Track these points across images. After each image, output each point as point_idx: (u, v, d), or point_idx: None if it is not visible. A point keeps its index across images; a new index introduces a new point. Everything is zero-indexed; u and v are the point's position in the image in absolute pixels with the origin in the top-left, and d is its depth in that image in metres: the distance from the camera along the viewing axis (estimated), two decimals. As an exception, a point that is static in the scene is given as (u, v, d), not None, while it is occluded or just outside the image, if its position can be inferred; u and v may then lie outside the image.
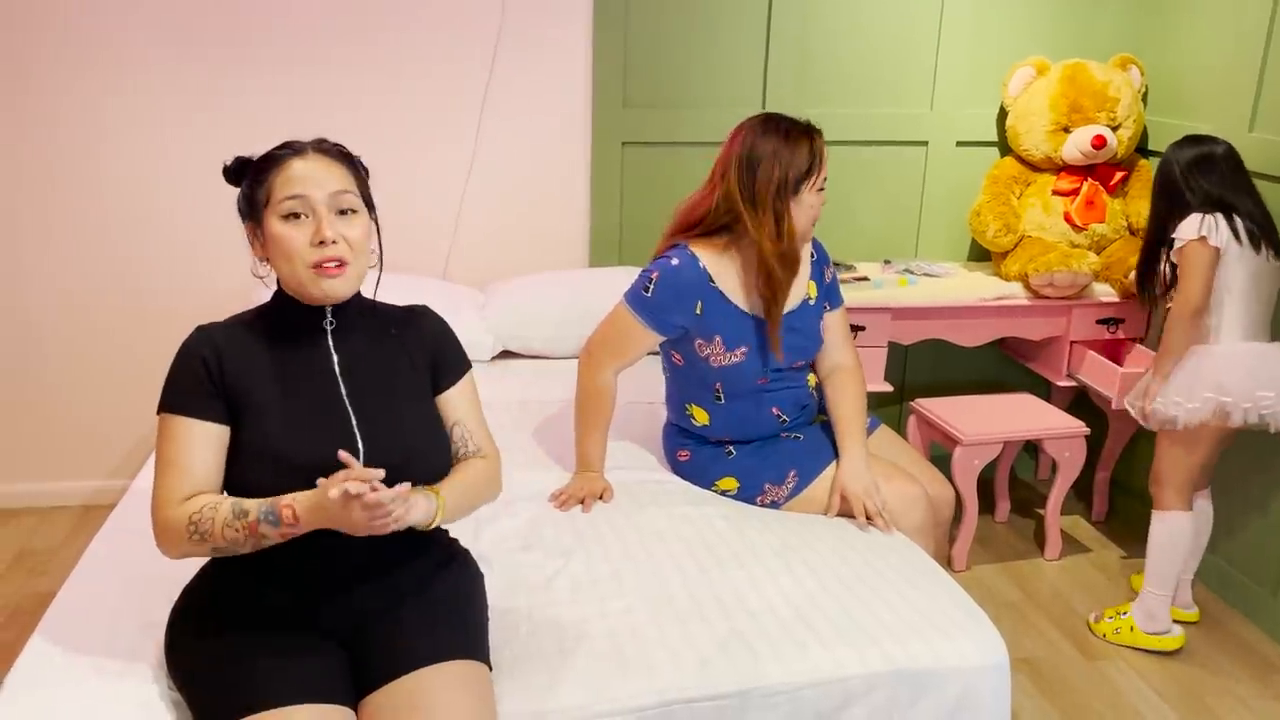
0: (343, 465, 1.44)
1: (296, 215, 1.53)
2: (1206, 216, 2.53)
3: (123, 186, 3.14)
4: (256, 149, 1.61)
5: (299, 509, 1.46)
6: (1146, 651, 2.74)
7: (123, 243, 3.19)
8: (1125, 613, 2.79)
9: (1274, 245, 2.57)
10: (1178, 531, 2.67)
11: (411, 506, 1.50)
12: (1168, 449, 2.66)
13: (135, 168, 3.13)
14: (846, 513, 2.23)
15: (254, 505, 1.47)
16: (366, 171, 1.66)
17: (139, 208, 3.17)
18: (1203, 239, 2.51)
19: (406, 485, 1.47)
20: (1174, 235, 2.57)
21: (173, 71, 3.07)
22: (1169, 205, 2.62)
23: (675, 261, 2.24)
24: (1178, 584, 2.79)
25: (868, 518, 2.17)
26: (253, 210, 1.58)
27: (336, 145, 1.62)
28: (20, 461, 3.34)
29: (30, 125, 3.05)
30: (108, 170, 3.12)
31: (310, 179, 1.54)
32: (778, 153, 2.16)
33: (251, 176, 1.58)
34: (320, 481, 1.42)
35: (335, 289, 1.56)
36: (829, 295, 2.39)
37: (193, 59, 3.06)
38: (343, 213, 1.56)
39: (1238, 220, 2.53)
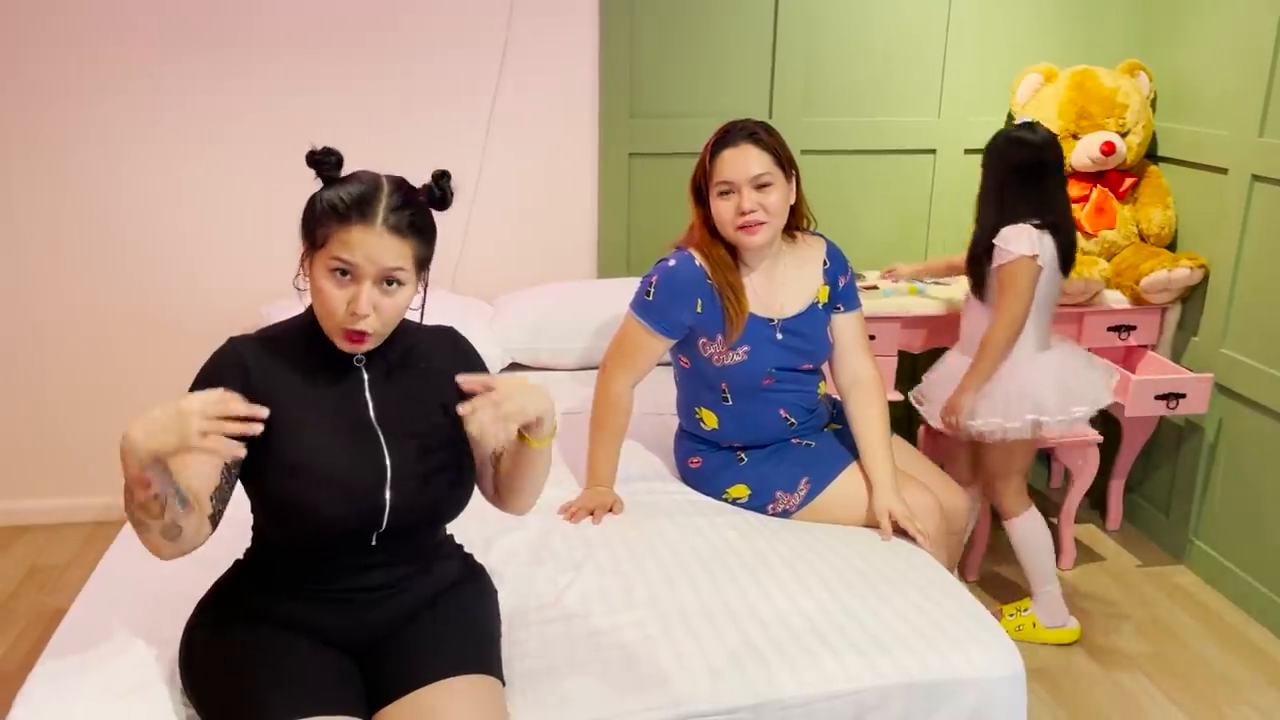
0: (367, 485, 1.48)
1: (344, 272, 1.50)
2: (1036, 232, 2.54)
3: (133, 201, 3.15)
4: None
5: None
6: (1050, 645, 2.80)
7: (132, 258, 3.20)
8: (1025, 609, 2.83)
9: (1072, 261, 2.66)
10: (1035, 528, 2.76)
11: (530, 395, 1.51)
12: (995, 458, 2.75)
13: (146, 182, 3.14)
14: (870, 523, 2.22)
15: None
16: (434, 228, 1.60)
17: (148, 223, 3.18)
18: (1034, 257, 2.53)
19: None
20: (1001, 245, 2.56)
21: (181, 85, 3.08)
22: (999, 211, 2.60)
23: (672, 263, 2.27)
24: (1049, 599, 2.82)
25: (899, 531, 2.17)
26: (310, 241, 1.53)
27: (411, 217, 1.53)
28: (31, 478, 3.35)
29: (41, 141, 3.07)
30: (118, 185, 3.13)
31: (365, 251, 1.48)
32: (701, 154, 2.25)
33: (318, 207, 1.52)
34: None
35: (355, 350, 1.55)
36: (843, 298, 2.36)
37: (200, 73, 3.08)
38: (389, 283, 1.53)
39: (1061, 238, 2.59)
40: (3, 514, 3.36)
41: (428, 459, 1.61)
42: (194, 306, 3.24)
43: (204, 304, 3.24)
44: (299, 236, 1.56)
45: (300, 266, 1.58)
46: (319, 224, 1.51)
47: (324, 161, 1.56)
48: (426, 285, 1.64)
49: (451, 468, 1.65)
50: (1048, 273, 2.59)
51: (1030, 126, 2.64)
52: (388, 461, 1.57)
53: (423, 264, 1.58)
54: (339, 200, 1.50)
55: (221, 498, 1.50)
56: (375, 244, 1.49)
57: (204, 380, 1.54)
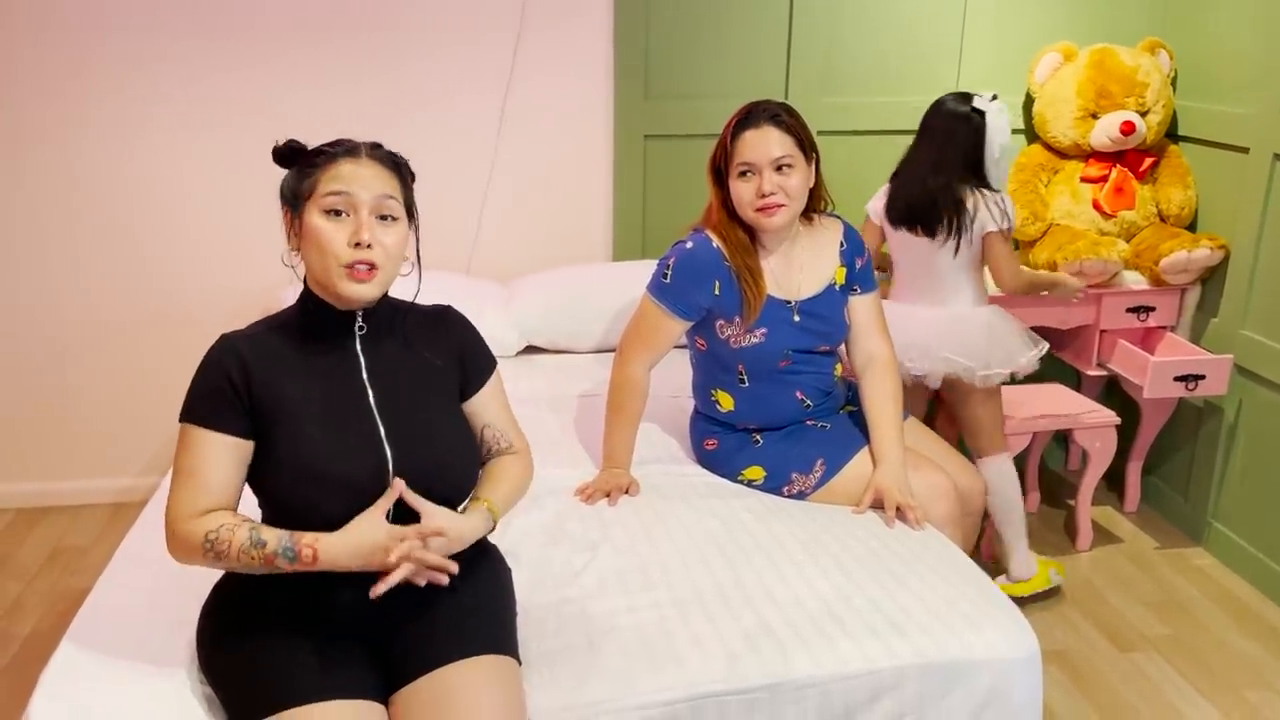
0: (370, 480, 1.52)
1: (338, 212, 1.54)
2: (885, 188, 2.80)
3: (146, 190, 3.17)
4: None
5: (321, 550, 1.48)
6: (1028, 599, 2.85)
7: (148, 245, 3.22)
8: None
9: (933, 228, 2.68)
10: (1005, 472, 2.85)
11: (466, 532, 1.59)
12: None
13: (158, 172, 3.16)
14: (876, 505, 2.21)
15: (272, 537, 1.48)
16: (413, 178, 1.66)
17: (163, 211, 3.19)
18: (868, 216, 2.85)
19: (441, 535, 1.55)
20: None
21: (193, 76, 3.09)
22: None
23: (689, 245, 2.26)
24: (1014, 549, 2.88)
25: (899, 512, 2.15)
26: (295, 199, 1.58)
27: (390, 152, 1.62)
28: (52, 460, 3.38)
29: (54, 131, 3.08)
30: (131, 174, 3.15)
31: (358, 179, 1.54)
32: (722, 134, 2.24)
33: (301, 166, 1.58)
34: (365, 529, 1.48)
35: (362, 293, 1.55)
36: (860, 280, 2.36)
37: (212, 61, 3.08)
38: (383, 218, 1.56)
39: (893, 193, 2.73)
40: (25, 496, 3.39)
41: (429, 448, 1.61)
42: (209, 291, 3.25)
43: (218, 288, 3.25)
44: (281, 210, 1.60)
45: (287, 238, 1.60)
46: (304, 178, 1.56)
47: (288, 155, 1.60)
48: (418, 241, 1.66)
49: (454, 453, 1.64)
50: (887, 228, 2.80)
51: (955, 96, 2.74)
52: (388, 454, 1.57)
53: (409, 208, 1.62)
54: (322, 149, 1.58)
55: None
56: (366, 173, 1.55)
57: (206, 381, 1.53)
